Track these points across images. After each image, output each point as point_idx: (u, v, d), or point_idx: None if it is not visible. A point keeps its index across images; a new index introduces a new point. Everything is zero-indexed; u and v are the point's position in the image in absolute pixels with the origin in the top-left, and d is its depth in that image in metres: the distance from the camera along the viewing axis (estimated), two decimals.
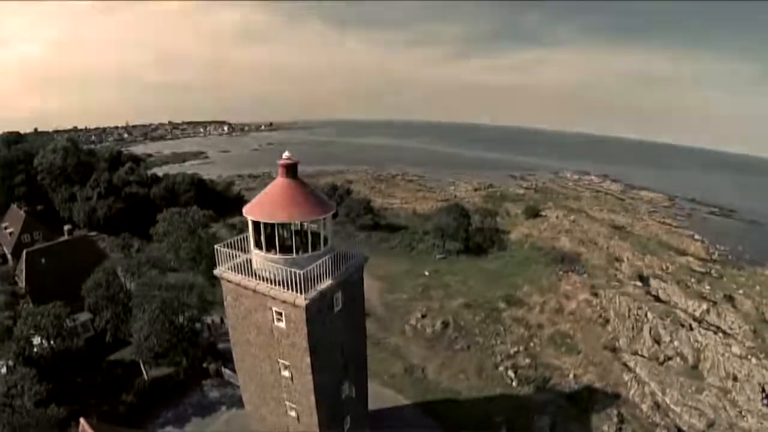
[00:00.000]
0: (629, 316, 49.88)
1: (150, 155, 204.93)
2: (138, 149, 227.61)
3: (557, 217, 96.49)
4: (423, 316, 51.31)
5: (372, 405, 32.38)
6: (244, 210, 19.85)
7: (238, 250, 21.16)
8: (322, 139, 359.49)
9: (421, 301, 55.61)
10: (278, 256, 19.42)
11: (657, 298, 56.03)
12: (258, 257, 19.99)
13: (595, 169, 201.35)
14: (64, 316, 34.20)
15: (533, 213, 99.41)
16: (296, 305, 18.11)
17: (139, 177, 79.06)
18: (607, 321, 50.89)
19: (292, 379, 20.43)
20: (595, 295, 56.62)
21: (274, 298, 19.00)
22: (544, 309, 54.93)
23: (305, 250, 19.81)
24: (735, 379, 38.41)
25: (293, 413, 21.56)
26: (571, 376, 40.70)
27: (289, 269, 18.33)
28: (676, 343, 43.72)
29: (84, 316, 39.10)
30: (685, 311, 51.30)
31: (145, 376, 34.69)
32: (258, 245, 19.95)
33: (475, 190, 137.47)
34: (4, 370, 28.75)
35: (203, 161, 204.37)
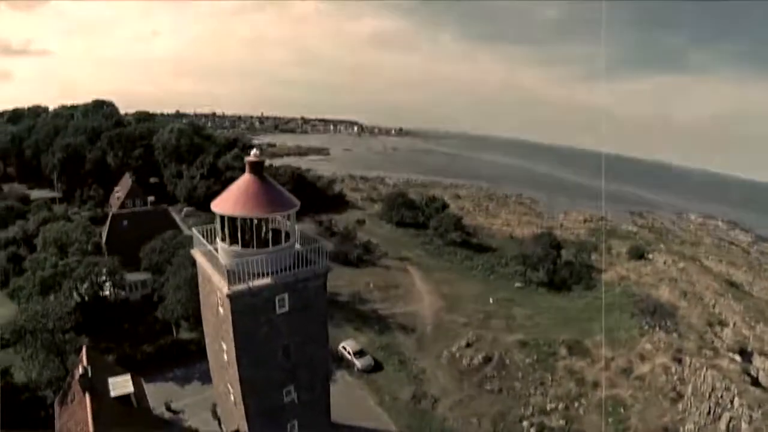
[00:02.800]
0: (710, 397, 40.06)
1: (273, 145, 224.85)
2: (264, 139, 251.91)
3: (665, 263, 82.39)
4: (468, 345, 47.78)
5: (352, 421, 31.55)
6: (212, 202, 21.31)
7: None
8: (446, 151, 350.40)
9: (477, 328, 51.49)
10: (228, 246, 20.49)
11: (755, 381, 43.78)
12: (219, 246, 21.33)
13: (723, 213, 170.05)
14: (116, 271, 40.50)
15: (638, 254, 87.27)
16: (224, 295, 18.90)
17: (243, 164, 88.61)
18: (681, 397, 41.48)
19: (229, 364, 21.33)
20: (678, 361, 46.53)
21: (216, 284, 20.14)
22: (609, 366, 47.19)
23: (253, 246, 20.51)
24: None
25: (232, 398, 22.46)
26: None
27: (224, 260, 19.22)
28: None
29: (143, 275, 45.60)
30: None
31: (174, 336, 39.29)
32: (218, 235, 21.35)
33: (585, 221, 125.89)
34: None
35: (323, 157, 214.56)
